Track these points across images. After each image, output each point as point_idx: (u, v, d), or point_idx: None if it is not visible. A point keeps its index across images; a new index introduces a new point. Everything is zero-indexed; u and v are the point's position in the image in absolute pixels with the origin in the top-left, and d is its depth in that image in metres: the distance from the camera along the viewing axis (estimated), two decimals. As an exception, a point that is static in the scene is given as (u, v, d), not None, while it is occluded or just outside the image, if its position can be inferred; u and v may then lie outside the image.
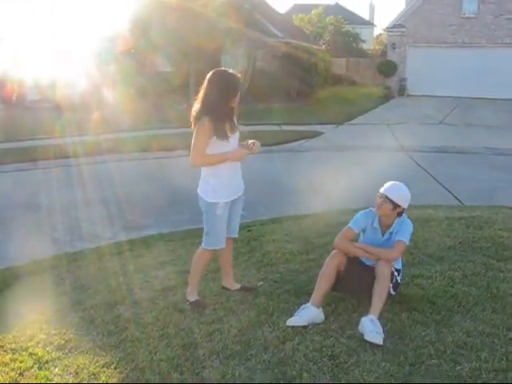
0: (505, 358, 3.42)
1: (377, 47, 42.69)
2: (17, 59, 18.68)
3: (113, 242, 6.88)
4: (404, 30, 27.66)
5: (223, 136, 4.13)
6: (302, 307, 4.09)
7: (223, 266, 4.71)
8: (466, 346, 3.58)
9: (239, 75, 4.25)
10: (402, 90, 27.14)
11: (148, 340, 3.87)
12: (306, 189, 9.00)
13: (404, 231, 4.23)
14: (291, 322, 3.98)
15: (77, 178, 10.68)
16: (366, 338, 3.67)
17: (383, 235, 4.29)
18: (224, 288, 4.69)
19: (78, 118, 16.65)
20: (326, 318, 4.04)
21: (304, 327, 3.90)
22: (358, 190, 8.58)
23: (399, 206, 4.19)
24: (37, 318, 4.40)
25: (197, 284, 4.53)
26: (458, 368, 3.35)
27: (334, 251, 4.33)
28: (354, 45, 41.24)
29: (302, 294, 4.51)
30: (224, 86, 4.12)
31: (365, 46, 43.19)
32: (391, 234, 4.25)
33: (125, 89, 19.82)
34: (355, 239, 4.45)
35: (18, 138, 15.18)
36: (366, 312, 4.08)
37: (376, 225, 4.31)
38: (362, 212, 4.41)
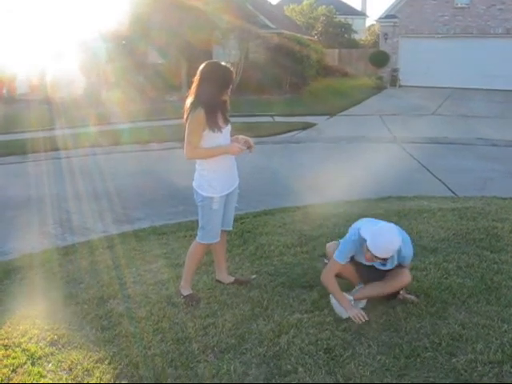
0: (500, 350, 3.42)
1: (369, 38, 42.61)
2: (6, 52, 18.51)
3: (105, 235, 6.82)
4: (396, 20, 27.60)
5: (216, 127, 4.09)
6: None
7: (217, 260, 4.68)
8: (461, 339, 3.58)
9: (231, 67, 4.21)
10: (394, 81, 27.10)
11: (142, 335, 3.85)
12: (299, 180, 8.98)
13: (407, 257, 4.02)
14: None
15: (67, 170, 10.61)
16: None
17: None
18: (218, 281, 4.67)
19: (68, 111, 16.55)
20: (320, 310, 4.04)
21: (299, 320, 3.89)
22: (351, 181, 8.59)
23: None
24: (29, 313, 4.36)
25: (191, 278, 4.50)
26: (454, 360, 3.35)
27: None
28: (345, 35, 41.13)
29: (297, 287, 4.50)
30: (216, 77, 4.09)
31: (357, 37, 43.07)
32: (387, 259, 3.92)
33: (115, 81, 19.72)
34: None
35: (7, 131, 15.05)
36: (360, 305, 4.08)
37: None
38: (349, 241, 4.02)
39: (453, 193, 8.52)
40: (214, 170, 4.20)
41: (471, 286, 4.37)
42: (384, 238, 3.82)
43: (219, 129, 4.11)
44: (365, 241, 3.85)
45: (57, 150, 12.53)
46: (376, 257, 3.81)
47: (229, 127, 4.26)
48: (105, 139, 13.45)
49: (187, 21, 19.80)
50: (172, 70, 20.45)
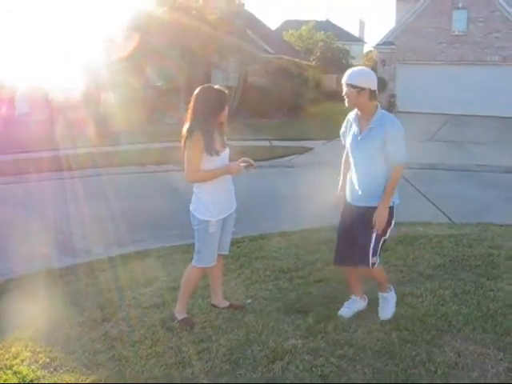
0: (496, 379, 3.40)
1: (366, 64, 42.98)
2: (6, 71, 18.61)
3: (101, 257, 6.78)
4: (394, 46, 27.91)
5: (213, 151, 4.10)
6: (350, 300, 4.53)
7: (213, 284, 4.66)
8: (457, 367, 3.57)
9: (226, 91, 4.24)
10: (391, 107, 27.25)
11: (135, 359, 3.82)
12: (295, 205, 8.97)
13: (392, 147, 4.09)
14: (343, 312, 4.42)
15: (65, 191, 10.58)
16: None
17: (360, 133, 4.20)
18: (213, 305, 4.64)
19: (67, 131, 16.57)
20: (315, 336, 4.02)
21: (294, 346, 3.86)
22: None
23: (363, 88, 4.07)
24: (22, 335, 4.33)
25: (186, 302, 4.48)
26: (449, 389, 3.32)
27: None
28: (343, 61, 41.51)
29: (292, 312, 4.48)
30: (210, 101, 4.13)
31: (355, 63, 43.41)
32: (371, 129, 4.12)
33: (115, 102, 19.81)
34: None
35: (7, 151, 15.05)
36: (356, 331, 4.07)
37: (354, 119, 4.27)
38: (346, 119, 4.43)
39: (449, 219, 8.53)
40: (211, 193, 4.21)
41: (467, 313, 4.36)
42: (361, 68, 4.39)
43: (216, 152, 4.12)
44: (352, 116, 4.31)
45: (55, 170, 12.51)
46: (344, 84, 4.13)
47: (227, 151, 4.28)
48: (104, 160, 13.45)
49: (186, 43, 19.97)
50: (171, 93, 20.57)
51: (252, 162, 4.25)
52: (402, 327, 4.13)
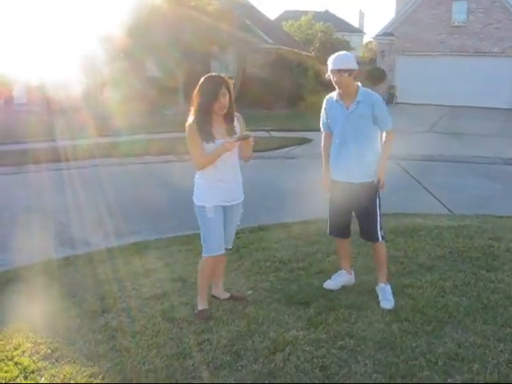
0: (496, 370, 3.40)
1: (366, 55, 42.85)
2: (4, 60, 18.52)
3: (100, 248, 6.78)
4: (393, 37, 27.82)
5: (209, 138, 4.08)
6: (337, 273, 4.83)
7: (214, 275, 4.64)
8: (458, 358, 3.56)
9: (221, 78, 4.18)
10: (390, 98, 27.20)
11: (136, 350, 3.82)
12: (294, 196, 8.96)
13: (381, 114, 4.45)
14: (328, 285, 4.72)
15: (64, 182, 10.56)
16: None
17: (348, 107, 4.42)
18: (213, 296, 4.63)
19: (66, 121, 16.53)
20: (316, 327, 4.02)
21: (295, 338, 3.86)
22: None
23: (353, 69, 4.38)
24: (23, 326, 4.32)
25: (204, 293, 4.43)
26: (450, 380, 3.33)
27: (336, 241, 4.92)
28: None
29: (293, 304, 4.48)
30: (204, 88, 4.11)
31: (354, 54, 43.29)
32: (358, 103, 4.39)
33: (114, 93, 19.74)
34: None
35: (4, 141, 15.02)
36: (356, 322, 4.08)
37: (338, 98, 4.49)
38: (325, 101, 4.64)
39: (449, 210, 8.53)
40: (208, 179, 4.20)
41: (467, 304, 4.36)
42: (335, 54, 4.51)
43: (211, 139, 4.09)
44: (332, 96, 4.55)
45: (55, 161, 12.49)
46: (331, 72, 4.34)
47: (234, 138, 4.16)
48: (103, 151, 13.42)
49: (185, 35, 19.88)
50: (170, 84, 20.48)
51: (247, 134, 4.16)
52: (402, 318, 4.13)
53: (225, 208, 4.28)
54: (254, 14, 29.37)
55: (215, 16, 20.63)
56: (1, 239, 7.15)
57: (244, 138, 4.12)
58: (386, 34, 28.19)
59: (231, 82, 4.22)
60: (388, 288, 4.51)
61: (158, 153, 13.54)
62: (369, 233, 4.57)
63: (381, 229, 4.53)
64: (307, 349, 3.71)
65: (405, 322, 4.07)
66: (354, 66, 4.41)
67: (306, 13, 45.35)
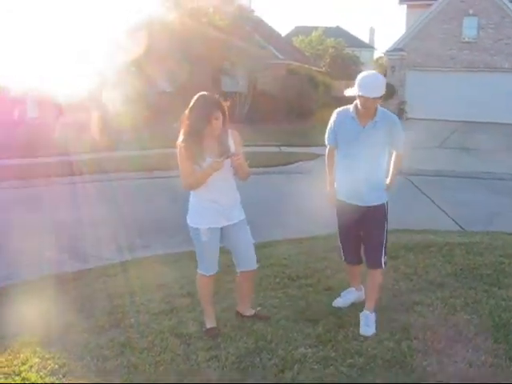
0: (508, 391, 3.35)
1: (376, 70, 42.95)
2: (18, 75, 18.69)
3: (109, 263, 6.80)
4: (404, 53, 27.84)
5: (196, 159, 4.00)
6: (347, 290, 4.75)
7: (238, 292, 4.64)
8: (469, 378, 3.51)
9: (218, 98, 4.05)
10: (401, 113, 27.16)
11: (144, 366, 3.79)
12: (304, 212, 8.92)
13: (397, 139, 4.41)
14: (337, 303, 4.66)
15: (75, 196, 10.60)
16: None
17: (364, 126, 4.25)
18: (238, 312, 4.58)
19: (77, 136, 16.61)
20: (325, 345, 3.98)
21: (303, 355, 3.83)
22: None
23: (383, 95, 4.19)
24: (30, 341, 4.32)
25: (208, 310, 4.39)
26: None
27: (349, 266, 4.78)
28: (353, 67, 41.49)
29: (301, 321, 4.44)
30: (193, 111, 3.99)
31: (364, 69, 43.42)
32: (376, 122, 4.23)
33: (124, 108, 19.84)
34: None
35: (17, 155, 15.10)
36: (366, 340, 4.03)
37: (353, 115, 4.29)
38: (332, 119, 4.46)
39: (460, 227, 8.47)
40: (200, 200, 4.16)
41: (478, 323, 4.30)
42: (368, 75, 4.27)
43: (201, 160, 3.99)
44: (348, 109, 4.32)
45: (64, 175, 12.55)
46: (364, 97, 4.10)
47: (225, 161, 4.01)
48: (112, 165, 13.47)
49: (196, 50, 20.00)
50: (180, 99, 20.56)
51: (232, 152, 4.01)
52: (412, 336, 4.08)
53: (222, 229, 4.21)
54: (264, 29, 29.54)
55: (226, 31, 20.76)
56: (13, 252, 7.16)
57: (229, 157, 3.98)
58: (396, 49, 28.23)
59: (226, 105, 4.07)
60: (373, 316, 4.32)
61: (167, 167, 13.57)
62: (372, 259, 4.41)
63: (385, 255, 4.40)
64: (316, 367, 3.67)
65: (415, 340, 4.02)
66: (384, 90, 4.21)
67: (316, 28, 45.59)
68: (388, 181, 4.47)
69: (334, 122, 4.45)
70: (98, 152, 15.13)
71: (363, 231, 4.43)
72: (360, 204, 4.34)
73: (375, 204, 4.35)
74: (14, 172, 12.86)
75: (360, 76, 4.22)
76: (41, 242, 7.72)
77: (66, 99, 19.03)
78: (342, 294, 4.77)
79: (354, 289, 4.77)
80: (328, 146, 4.59)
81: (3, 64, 17.97)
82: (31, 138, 17.12)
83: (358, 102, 4.21)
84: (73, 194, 10.80)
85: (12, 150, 15.42)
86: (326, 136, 4.54)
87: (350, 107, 4.32)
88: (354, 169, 4.32)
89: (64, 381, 3.67)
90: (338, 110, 4.45)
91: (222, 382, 3.51)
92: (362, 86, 4.12)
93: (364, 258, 4.51)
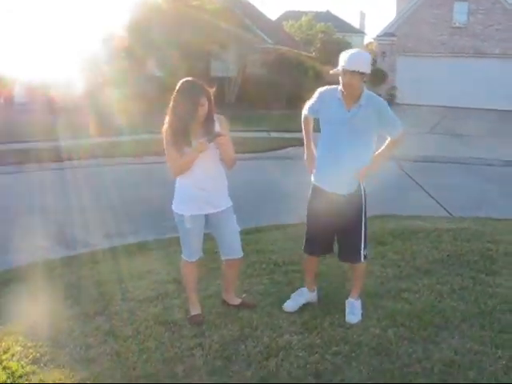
0: (493, 378, 3.34)
1: (367, 55, 42.75)
2: (4, 58, 18.45)
3: (96, 249, 6.72)
4: (394, 38, 27.75)
5: (183, 143, 3.94)
6: (298, 292, 4.47)
7: (223, 281, 4.59)
8: (454, 365, 3.50)
9: (203, 85, 3.96)
10: (391, 99, 27.12)
11: (127, 354, 3.75)
12: (292, 197, 8.87)
13: (389, 118, 4.15)
14: (288, 306, 4.34)
15: (61, 182, 10.48)
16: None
17: (349, 109, 4.02)
18: (224, 301, 4.53)
19: (67, 120, 16.45)
20: (310, 332, 3.95)
21: (288, 343, 3.80)
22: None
23: (366, 73, 3.95)
24: (13, 329, 4.25)
25: (193, 297, 4.35)
26: (447, 387, 3.26)
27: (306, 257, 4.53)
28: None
29: (287, 307, 4.40)
30: (179, 98, 3.93)
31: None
32: (361, 106, 4.00)
33: (114, 92, 19.66)
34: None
35: (5, 141, 14.93)
36: (352, 327, 4.01)
37: (340, 96, 4.06)
38: (319, 92, 4.23)
39: (448, 212, 8.47)
40: (183, 187, 4.11)
41: (465, 309, 4.30)
42: (353, 50, 4.05)
43: (186, 144, 3.93)
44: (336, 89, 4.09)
45: (51, 160, 12.41)
46: (349, 71, 3.88)
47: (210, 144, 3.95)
48: (104, 151, 13.35)
49: (185, 33, 19.81)
50: (170, 83, 20.38)
51: (217, 133, 3.95)
52: (398, 323, 4.06)
53: (208, 216, 4.16)
54: (254, 13, 29.31)
55: (215, 15, 20.56)
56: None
57: (215, 137, 3.90)
58: (386, 34, 28.12)
59: (212, 91, 3.99)
60: (358, 304, 4.28)
61: (158, 152, 13.46)
62: (350, 253, 4.23)
63: (365, 248, 4.20)
64: (301, 354, 3.64)
65: (401, 327, 4.01)
66: (369, 69, 3.98)
67: (306, 13, 45.28)
68: (367, 166, 4.10)
69: (319, 98, 4.21)
70: (87, 138, 14.96)
71: (340, 224, 4.13)
72: (338, 192, 4.09)
73: (352, 193, 4.10)
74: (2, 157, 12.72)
75: (344, 52, 4.01)
76: (27, 228, 7.63)
77: (55, 85, 18.85)
78: (292, 296, 4.49)
79: (305, 289, 4.50)
80: (305, 115, 4.38)
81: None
82: (18, 123, 16.96)
83: (341, 80, 3.99)
84: (61, 179, 10.67)
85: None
86: (307, 106, 4.32)
87: (338, 87, 4.08)
88: (336, 155, 4.05)
89: (45, 369, 3.62)
90: (322, 89, 4.22)
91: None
92: (347, 59, 3.91)
93: (342, 253, 4.31)
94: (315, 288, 4.55)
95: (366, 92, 4.07)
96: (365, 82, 4.01)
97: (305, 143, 4.47)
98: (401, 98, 27.05)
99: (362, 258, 4.22)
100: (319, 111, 4.20)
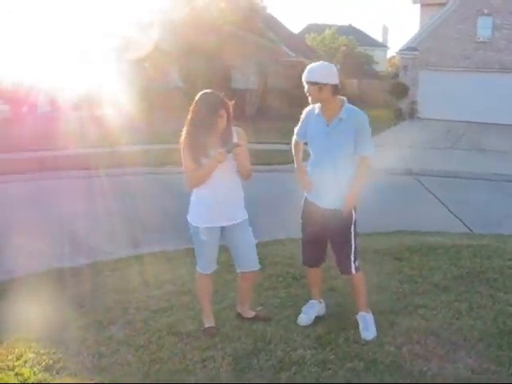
0: (510, 400, 3.26)
1: (389, 69, 42.70)
2: (28, 69, 18.74)
3: (113, 257, 6.75)
4: (417, 52, 27.59)
5: (198, 158, 3.97)
6: (308, 305, 4.45)
7: (238, 293, 4.56)
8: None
9: (222, 97, 3.99)
10: (412, 113, 26.98)
11: (138, 364, 3.74)
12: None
13: (363, 134, 4.07)
14: (302, 320, 4.33)
15: (83, 190, 10.56)
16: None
17: (329, 124, 4.07)
18: (239, 314, 4.50)
19: (90, 129, 16.60)
20: (324, 347, 3.90)
21: (302, 357, 3.75)
22: (363, 213, 8.42)
23: (325, 84, 3.96)
24: (27, 336, 4.28)
25: (206, 308, 4.33)
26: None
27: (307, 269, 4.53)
28: (366, 66, 41.26)
29: (302, 321, 4.36)
30: (197, 111, 3.96)
31: (377, 68, 43.17)
32: (340, 120, 4.03)
33: (135, 102, 19.83)
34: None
35: (26, 149, 15.11)
36: (367, 344, 3.95)
37: (319, 112, 4.14)
38: (304, 113, 4.33)
39: (468, 229, 8.35)
40: (200, 199, 4.10)
41: (483, 328, 4.20)
42: (315, 63, 4.14)
43: (200, 160, 3.96)
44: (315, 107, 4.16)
45: (73, 168, 12.53)
46: (307, 83, 4.01)
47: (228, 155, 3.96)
48: (120, 160, 13.42)
49: (207, 45, 19.94)
50: (190, 94, 20.49)
51: (234, 143, 3.96)
52: (414, 341, 3.99)
53: (223, 228, 4.14)
54: (276, 26, 29.40)
55: (237, 27, 20.68)
56: (14, 245, 7.13)
57: (233, 148, 3.91)
58: (409, 48, 27.98)
59: (230, 103, 4.01)
60: (370, 317, 4.21)
61: (178, 162, 13.49)
62: (341, 265, 4.25)
63: (355, 260, 4.17)
64: (313, 370, 3.59)
65: (416, 344, 3.93)
66: (328, 79, 3.97)
67: (329, 26, 45.37)
68: (349, 191, 4.09)
69: (304, 119, 4.32)
70: (109, 146, 15.07)
71: (330, 236, 4.23)
72: (325, 207, 4.14)
73: (341, 208, 4.10)
74: (23, 165, 12.86)
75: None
76: (45, 235, 7.71)
77: (79, 94, 19.08)
78: (303, 309, 4.47)
79: (315, 301, 4.50)
80: (295, 138, 4.47)
81: (14, 61, 18.04)
82: (40, 132, 17.15)
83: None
84: (83, 187, 10.76)
85: (19, 143, 15.46)
86: (296, 131, 4.42)
87: (318, 104, 4.17)
88: (320, 170, 4.14)
89: (57, 377, 3.62)
90: (308, 107, 4.29)
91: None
92: (306, 71, 4.06)
93: (337, 263, 4.34)
94: (322, 300, 4.55)
95: (347, 106, 4.10)
96: (334, 94, 4.04)
97: (295, 166, 4.45)
98: (422, 112, 26.88)
99: (354, 270, 4.20)
100: (306, 133, 4.29)
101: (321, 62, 4.22)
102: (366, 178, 4.18)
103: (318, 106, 4.16)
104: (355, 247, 4.19)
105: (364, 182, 4.16)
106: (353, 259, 4.18)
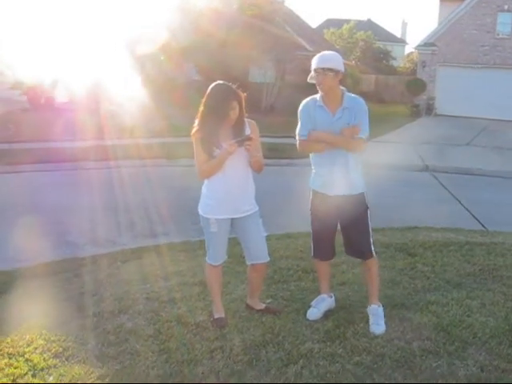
0: (520, 398, 3.22)
1: (407, 65, 42.37)
2: (46, 61, 18.84)
3: (125, 248, 6.80)
4: (435, 48, 27.36)
5: (210, 149, 3.98)
6: (318, 299, 4.40)
7: (249, 285, 4.55)
8: (480, 382, 3.38)
9: (234, 89, 3.98)
10: (430, 109, 26.80)
11: (147, 353, 3.75)
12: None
13: (361, 119, 4.04)
14: (312, 314, 4.26)
15: (97, 181, 10.64)
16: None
17: (334, 114, 4.05)
18: (248, 306, 4.50)
19: (107, 122, 16.68)
20: (333, 341, 3.88)
21: (310, 350, 3.74)
22: (377, 209, 8.37)
23: (339, 71, 4.00)
24: (37, 323, 4.30)
25: (216, 300, 4.33)
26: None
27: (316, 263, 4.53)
28: (384, 62, 40.99)
29: (311, 315, 4.35)
30: (210, 102, 3.98)
31: (395, 64, 42.88)
32: (344, 109, 4.04)
33: (151, 95, 19.88)
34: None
35: (41, 139, 15.20)
36: (376, 338, 3.93)
37: (321, 103, 4.10)
38: (301, 110, 4.21)
39: (483, 226, 8.27)
40: (211, 190, 4.10)
41: (494, 325, 4.15)
42: (331, 52, 4.20)
43: (212, 151, 3.97)
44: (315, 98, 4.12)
45: (88, 160, 12.60)
46: (318, 70, 3.98)
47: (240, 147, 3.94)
48: (135, 152, 13.47)
49: (224, 39, 19.93)
50: (207, 87, 20.50)
51: (246, 136, 3.96)
52: (424, 337, 3.96)
53: (233, 220, 4.14)
54: (294, 20, 29.30)
55: (255, 21, 20.62)
56: (27, 234, 7.18)
57: (245, 140, 3.91)
58: (427, 44, 27.75)
59: (243, 95, 4.01)
60: (381, 310, 4.18)
61: (193, 155, 13.52)
62: (361, 247, 4.19)
63: (373, 243, 4.20)
64: (321, 363, 3.58)
65: (426, 340, 3.90)
66: (341, 67, 4.02)
67: (348, 21, 45.15)
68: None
69: (306, 113, 4.18)
70: (126, 138, 15.14)
71: (343, 223, 4.20)
72: (337, 194, 4.12)
73: (354, 193, 4.15)
74: (36, 156, 12.95)
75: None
76: (60, 225, 7.77)
77: (95, 87, 19.15)
78: (313, 303, 4.41)
79: (325, 295, 4.46)
80: (301, 139, 4.22)
81: (32, 53, 18.14)
82: (58, 123, 17.25)
83: (316, 83, 4.06)
84: (96, 178, 10.83)
85: (34, 134, 15.56)
86: (299, 129, 4.21)
87: (317, 96, 4.13)
88: (329, 159, 4.11)
89: (66, 364, 3.65)
90: (307, 100, 4.21)
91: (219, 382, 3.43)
92: (317, 59, 4.05)
93: (352, 249, 4.30)
94: (332, 294, 4.52)
95: (348, 94, 4.10)
96: (340, 83, 4.06)
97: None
98: (440, 108, 26.68)
99: (373, 252, 4.20)
100: (315, 128, 4.15)
101: (329, 51, 4.25)
102: (352, 148, 4.11)
103: (318, 97, 4.12)
104: (371, 231, 4.20)
105: (346, 147, 4.07)
106: (371, 242, 4.19)
